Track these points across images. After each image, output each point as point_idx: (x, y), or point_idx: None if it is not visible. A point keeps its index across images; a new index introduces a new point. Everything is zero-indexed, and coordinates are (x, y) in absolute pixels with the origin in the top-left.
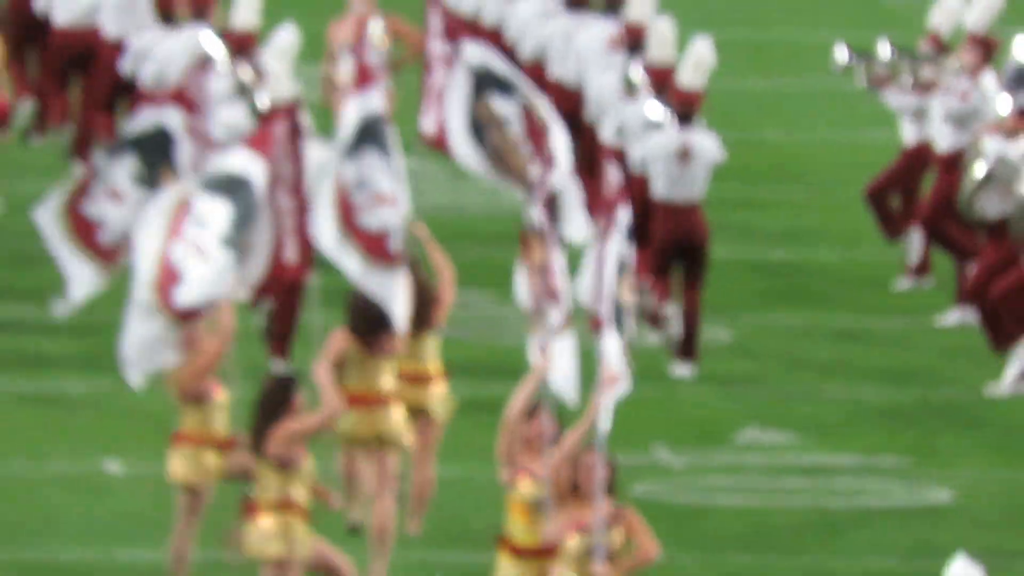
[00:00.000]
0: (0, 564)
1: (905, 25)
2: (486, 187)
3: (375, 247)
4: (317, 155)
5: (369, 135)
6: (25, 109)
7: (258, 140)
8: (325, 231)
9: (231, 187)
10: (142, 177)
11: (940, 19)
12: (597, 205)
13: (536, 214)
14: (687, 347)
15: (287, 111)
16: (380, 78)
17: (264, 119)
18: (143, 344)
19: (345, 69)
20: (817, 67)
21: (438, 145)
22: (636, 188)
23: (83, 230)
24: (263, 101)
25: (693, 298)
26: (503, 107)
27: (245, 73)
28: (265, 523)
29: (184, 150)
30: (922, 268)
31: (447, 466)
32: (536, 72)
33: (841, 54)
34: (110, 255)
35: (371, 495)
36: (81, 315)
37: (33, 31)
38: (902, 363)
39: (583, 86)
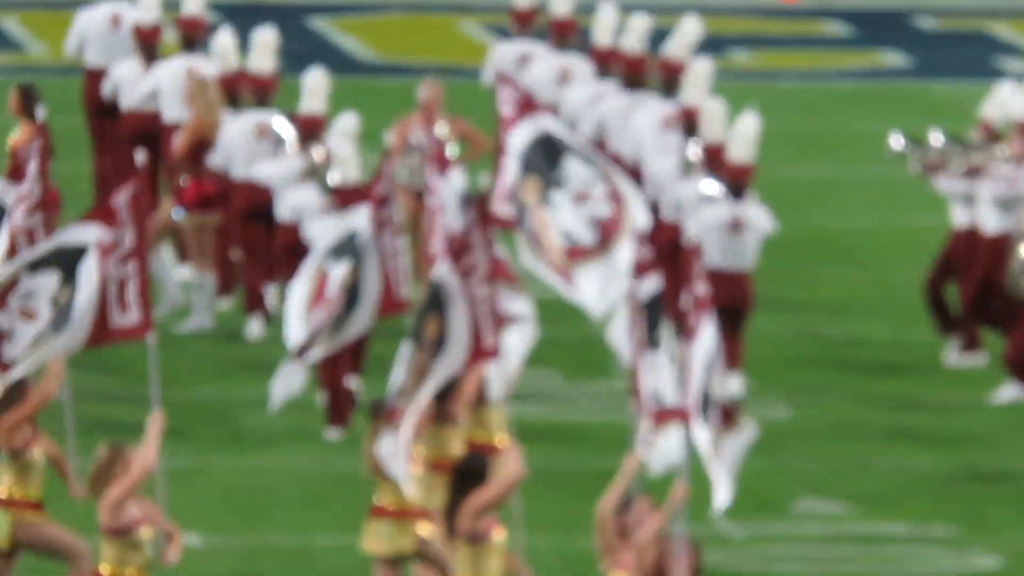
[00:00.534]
0: None
1: (954, 115)
2: None
3: None
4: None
5: None
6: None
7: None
8: None
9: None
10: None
11: (992, 109)
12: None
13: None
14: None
15: (354, 193)
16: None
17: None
18: None
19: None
20: (870, 155)
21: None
22: (690, 255)
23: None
24: (334, 180)
25: (735, 361)
26: (581, 171)
27: (318, 154)
28: None
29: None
30: (971, 344)
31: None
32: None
33: (896, 141)
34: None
35: None
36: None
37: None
38: (953, 435)
39: (640, 163)
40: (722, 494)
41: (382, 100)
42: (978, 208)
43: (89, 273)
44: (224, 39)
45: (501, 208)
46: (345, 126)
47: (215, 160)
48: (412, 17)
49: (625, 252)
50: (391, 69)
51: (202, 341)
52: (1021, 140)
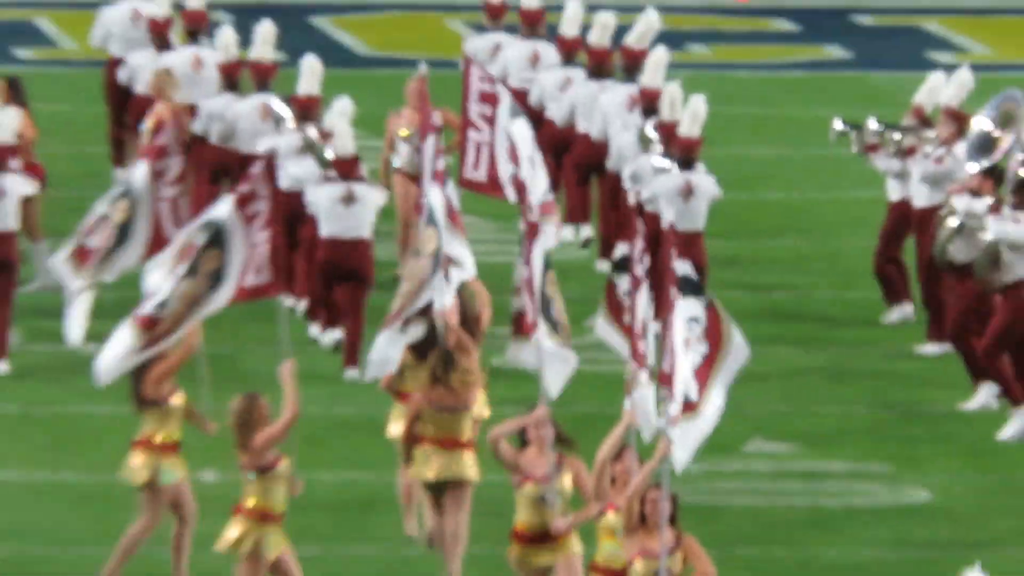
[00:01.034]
0: None
1: (889, 102)
2: None
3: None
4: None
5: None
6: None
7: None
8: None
9: None
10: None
11: (922, 97)
12: (622, 235)
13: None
14: None
15: (352, 162)
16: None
17: (338, 170)
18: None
19: (403, 154)
20: (814, 137)
21: (490, 190)
22: (649, 222)
23: (82, 257)
24: (329, 155)
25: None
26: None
27: (312, 132)
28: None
29: None
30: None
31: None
32: (568, 130)
33: (838, 125)
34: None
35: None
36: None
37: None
38: (888, 382)
39: (608, 139)
40: (682, 456)
41: (376, 89)
42: (910, 184)
43: (237, 240)
44: (226, 32)
45: (477, 175)
46: (342, 107)
47: (220, 136)
48: (403, 16)
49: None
50: (383, 62)
51: None
52: (948, 124)
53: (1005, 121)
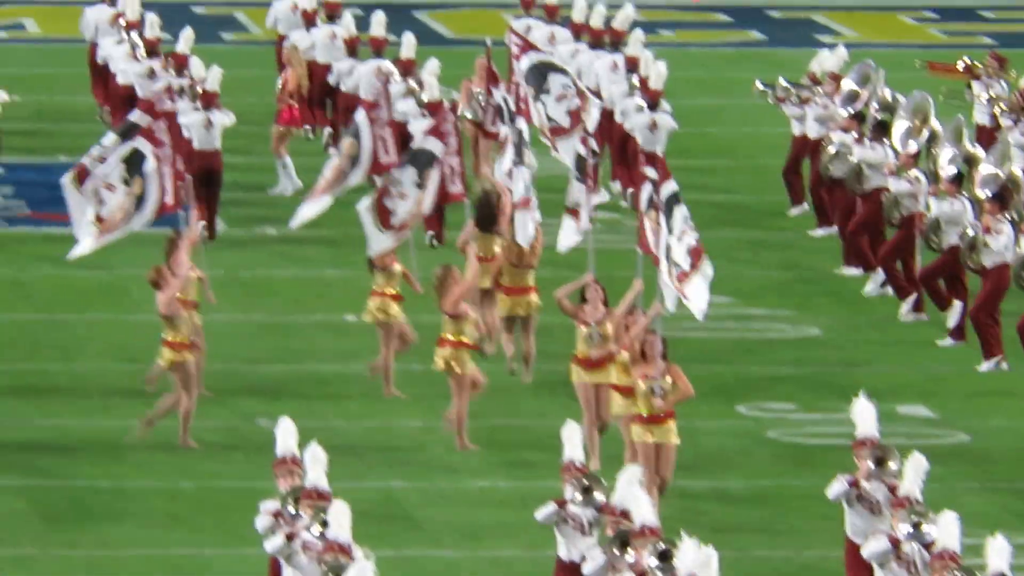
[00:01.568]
0: None
1: (792, 69)
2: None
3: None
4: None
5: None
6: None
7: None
8: None
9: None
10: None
11: (815, 65)
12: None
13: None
14: None
15: (439, 104)
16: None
17: (428, 109)
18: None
19: (472, 107)
20: (744, 93)
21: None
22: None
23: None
24: (424, 98)
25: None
26: (559, 79)
27: (412, 83)
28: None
29: None
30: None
31: None
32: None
33: (759, 85)
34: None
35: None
36: None
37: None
38: (792, 253)
39: (600, 90)
40: (698, 306)
41: (457, 60)
42: (807, 123)
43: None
44: (348, 17)
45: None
46: (431, 67)
47: (350, 87)
48: (473, 11)
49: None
50: (462, 42)
51: None
52: (831, 83)
53: (863, 81)
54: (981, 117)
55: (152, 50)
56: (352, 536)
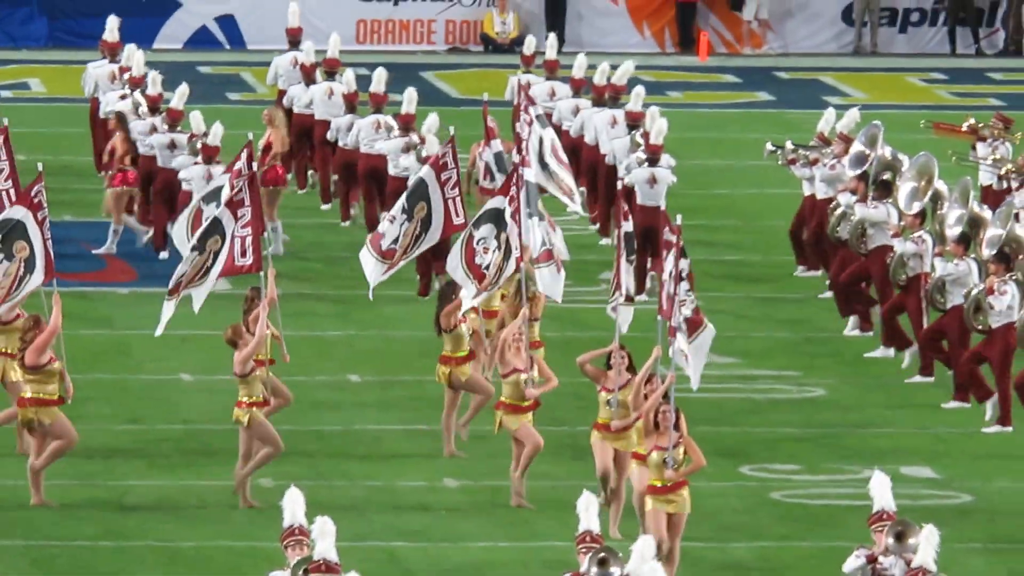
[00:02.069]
0: None
1: (801, 130)
2: None
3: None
4: None
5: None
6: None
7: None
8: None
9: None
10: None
11: (823, 126)
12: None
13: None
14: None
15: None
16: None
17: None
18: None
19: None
20: (753, 154)
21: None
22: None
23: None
24: (424, 153)
25: (658, 265)
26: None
27: (414, 138)
28: None
29: None
30: (814, 266)
31: None
32: (579, 139)
33: (768, 146)
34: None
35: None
36: None
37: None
38: (799, 317)
39: (600, 144)
40: (696, 378)
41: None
42: (815, 184)
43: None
44: (349, 74)
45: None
46: (431, 122)
47: (349, 142)
48: (480, 71)
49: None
50: (467, 102)
51: None
52: (840, 144)
53: (871, 143)
54: (986, 178)
55: (154, 107)
56: None
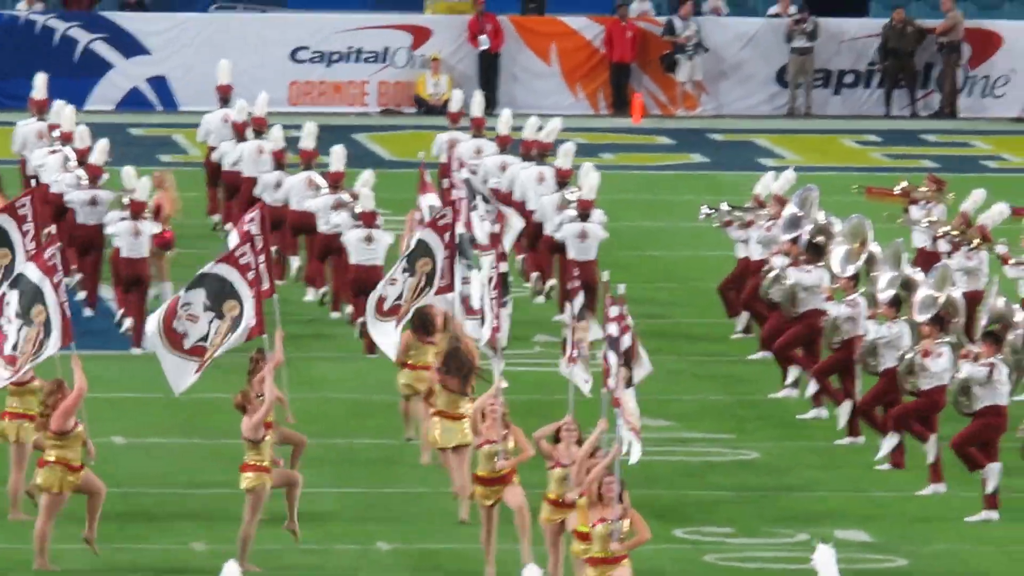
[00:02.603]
0: None
1: (736, 192)
2: None
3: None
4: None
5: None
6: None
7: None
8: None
9: None
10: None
11: (759, 188)
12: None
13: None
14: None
15: (373, 215)
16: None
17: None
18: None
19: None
20: (687, 215)
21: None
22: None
23: (175, 339)
24: (358, 209)
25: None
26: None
27: (345, 196)
28: None
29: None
30: (748, 330)
31: None
32: (507, 195)
33: (705, 209)
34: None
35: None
36: None
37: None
38: (734, 375)
39: (526, 200)
40: (636, 453)
41: (396, 182)
42: (750, 246)
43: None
44: (276, 132)
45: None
46: (365, 178)
47: (278, 199)
48: (413, 133)
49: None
50: (400, 163)
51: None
52: (775, 206)
53: (805, 206)
54: (920, 240)
55: (83, 161)
56: None
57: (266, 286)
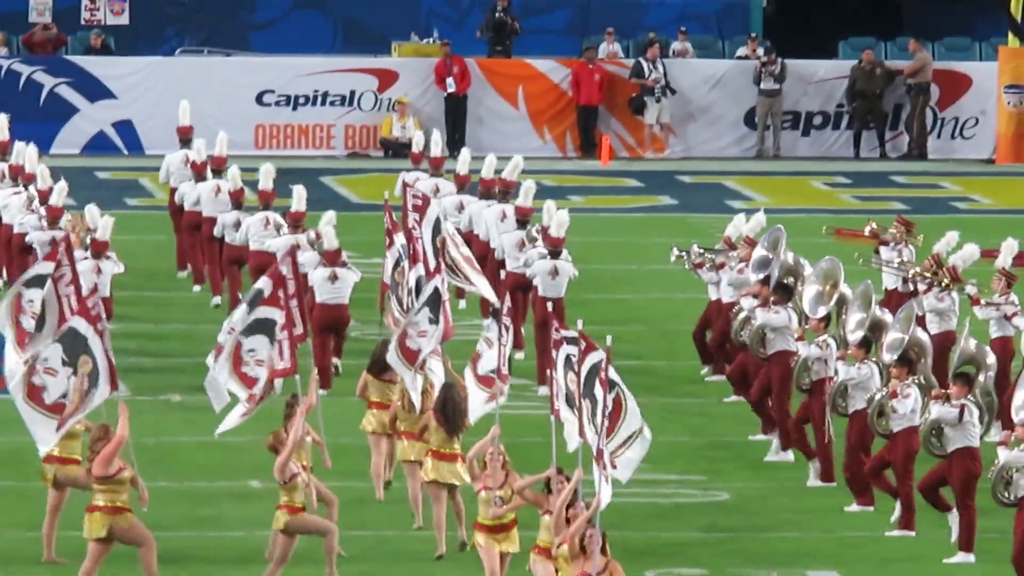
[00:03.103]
0: None
1: (705, 235)
2: None
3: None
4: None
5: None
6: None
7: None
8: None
9: None
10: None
11: (730, 230)
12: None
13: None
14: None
15: (337, 253)
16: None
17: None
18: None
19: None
20: (657, 258)
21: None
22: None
23: (34, 395)
24: (324, 247)
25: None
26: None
27: (303, 237)
28: None
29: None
30: (720, 369)
31: None
32: (468, 233)
33: (675, 251)
34: (55, 410)
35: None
36: None
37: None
38: (704, 421)
39: (489, 238)
40: (607, 496)
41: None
42: (721, 288)
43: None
44: (234, 170)
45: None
46: (328, 217)
47: (238, 239)
48: (380, 175)
49: None
50: (367, 206)
51: None
52: (746, 248)
53: (773, 246)
54: (891, 282)
55: (43, 201)
56: None
57: (299, 330)
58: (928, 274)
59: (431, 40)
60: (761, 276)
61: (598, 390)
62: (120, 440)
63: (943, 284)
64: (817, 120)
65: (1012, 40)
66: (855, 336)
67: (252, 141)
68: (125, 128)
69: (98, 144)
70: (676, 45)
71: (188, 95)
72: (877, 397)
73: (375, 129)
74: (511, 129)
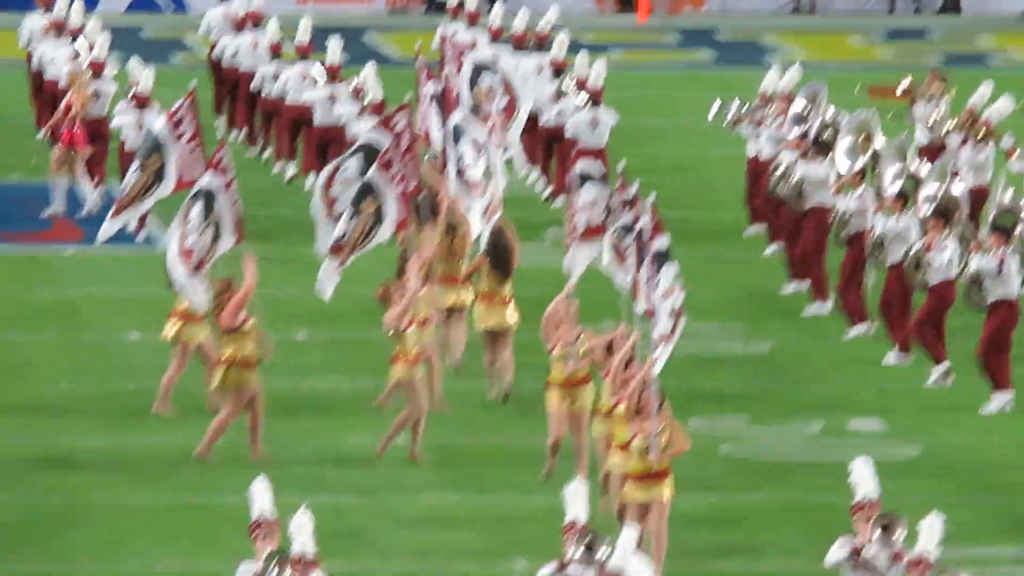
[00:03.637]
0: None
1: (743, 90)
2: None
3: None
4: None
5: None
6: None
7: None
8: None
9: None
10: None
11: (766, 85)
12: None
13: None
14: None
15: (381, 105)
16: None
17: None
18: None
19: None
20: (696, 113)
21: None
22: (569, 144)
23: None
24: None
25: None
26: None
27: (342, 89)
28: None
29: None
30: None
31: None
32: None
33: (714, 106)
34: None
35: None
36: None
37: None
38: (746, 272)
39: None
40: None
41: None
42: (760, 143)
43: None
44: (272, 25)
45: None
46: (369, 70)
47: (275, 91)
48: (423, 33)
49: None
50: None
51: None
52: (782, 103)
53: (812, 99)
54: (923, 137)
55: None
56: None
57: (412, 185)
58: (963, 127)
59: None
60: (799, 130)
61: (667, 268)
62: (248, 290)
63: (978, 137)
64: None
65: None
66: (892, 188)
67: None
68: None
69: (142, 3)
70: None
71: None
72: (914, 250)
73: None
74: None
